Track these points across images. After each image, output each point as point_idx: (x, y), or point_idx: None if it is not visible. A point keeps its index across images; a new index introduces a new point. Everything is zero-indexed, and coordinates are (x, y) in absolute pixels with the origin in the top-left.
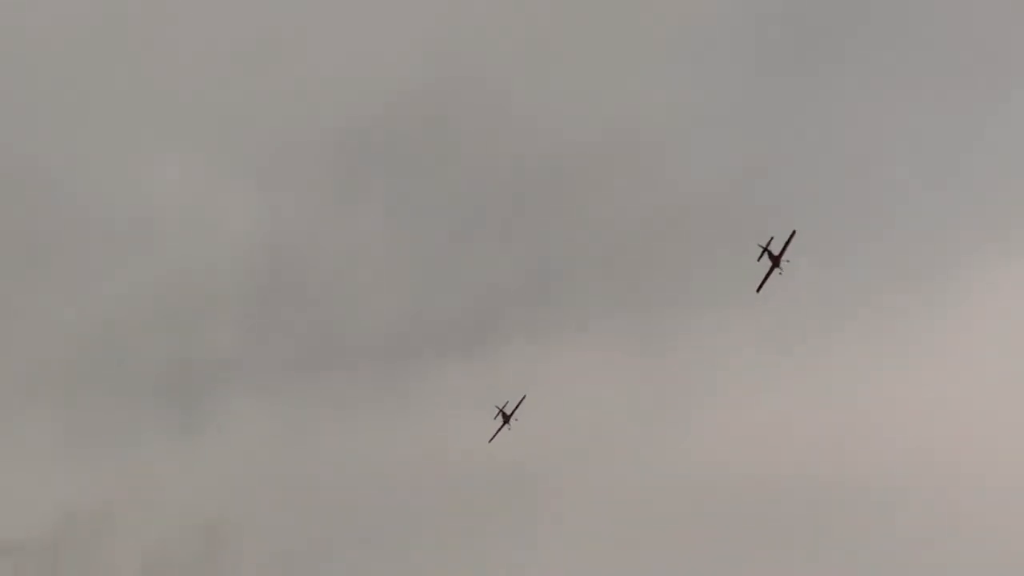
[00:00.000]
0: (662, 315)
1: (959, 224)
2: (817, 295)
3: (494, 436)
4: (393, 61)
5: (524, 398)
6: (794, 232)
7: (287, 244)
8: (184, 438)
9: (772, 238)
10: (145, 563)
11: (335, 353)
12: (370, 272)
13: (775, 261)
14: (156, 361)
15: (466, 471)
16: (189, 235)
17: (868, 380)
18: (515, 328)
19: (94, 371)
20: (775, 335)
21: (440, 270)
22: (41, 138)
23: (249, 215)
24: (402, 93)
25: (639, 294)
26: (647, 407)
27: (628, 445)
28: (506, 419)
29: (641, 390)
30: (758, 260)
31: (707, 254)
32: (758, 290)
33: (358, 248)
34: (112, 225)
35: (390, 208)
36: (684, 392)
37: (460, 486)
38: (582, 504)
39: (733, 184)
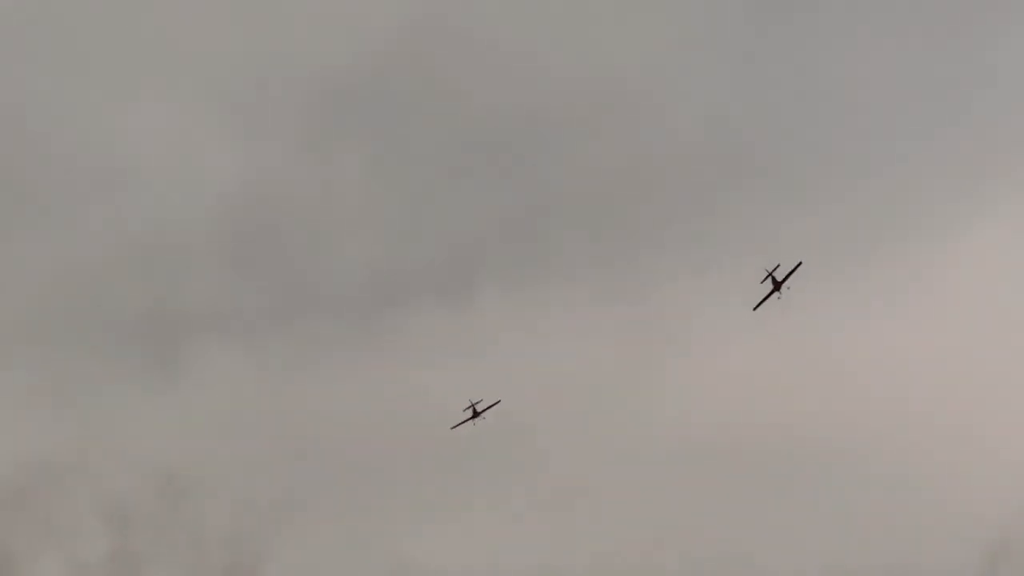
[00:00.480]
0: (643, 265)
1: (947, 167)
2: (798, 243)
3: (458, 425)
4: (372, 2)
5: (498, 402)
6: (800, 263)
7: (263, 191)
8: (158, 387)
9: (778, 265)
10: (113, 513)
11: (311, 301)
12: (347, 219)
13: (777, 286)
14: (130, 310)
15: (443, 421)
16: (164, 182)
17: (847, 328)
18: (494, 276)
19: (67, 320)
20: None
21: (418, 217)
22: (14, 82)
23: (225, 161)
24: (381, 38)
25: (620, 243)
26: (627, 355)
27: (608, 394)
28: (475, 415)
29: (621, 338)
30: (761, 283)
31: (696, 203)
32: (755, 308)
33: (335, 195)
34: (87, 172)
35: (367, 154)
36: (663, 340)
37: (437, 436)
38: (560, 453)
39: (725, 130)
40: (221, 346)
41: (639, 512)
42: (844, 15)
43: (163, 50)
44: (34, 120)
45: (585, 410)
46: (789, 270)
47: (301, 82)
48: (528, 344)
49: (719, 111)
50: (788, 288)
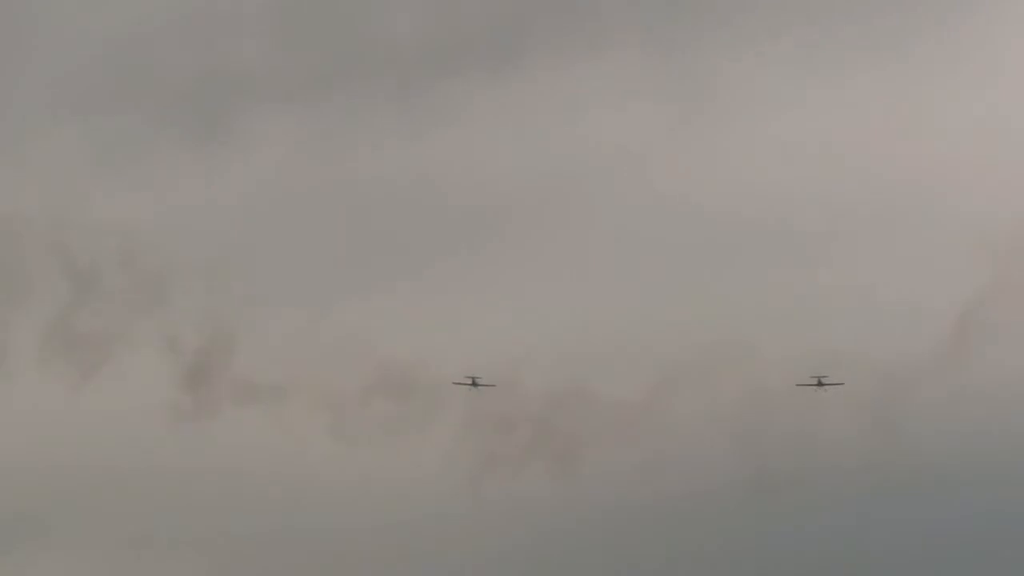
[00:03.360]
0: (691, 31)
1: None
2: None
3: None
4: None
5: (495, 386)
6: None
7: None
8: (205, 153)
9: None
10: (155, 282)
11: (358, 67)
12: None
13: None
14: (179, 76)
15: (485, 191)
16: None
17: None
18: (542, 41)
19: (116, 85)
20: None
21: None
22: None
23: None
24: None
25: (669, 8)
26: (671, 123)
27: (649, 163)
28: (473, 384)
29: (666, 105)
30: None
31: None
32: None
33: None
34: None
35: None
36: (709, 108)
37: (479, 205)
38: (590, 223)
39: None
40: (267, 113)
41: (659, 287)
42: None
43: None
44: None
45: (624, 179)
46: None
47: None
48: (570, 112)
49: None
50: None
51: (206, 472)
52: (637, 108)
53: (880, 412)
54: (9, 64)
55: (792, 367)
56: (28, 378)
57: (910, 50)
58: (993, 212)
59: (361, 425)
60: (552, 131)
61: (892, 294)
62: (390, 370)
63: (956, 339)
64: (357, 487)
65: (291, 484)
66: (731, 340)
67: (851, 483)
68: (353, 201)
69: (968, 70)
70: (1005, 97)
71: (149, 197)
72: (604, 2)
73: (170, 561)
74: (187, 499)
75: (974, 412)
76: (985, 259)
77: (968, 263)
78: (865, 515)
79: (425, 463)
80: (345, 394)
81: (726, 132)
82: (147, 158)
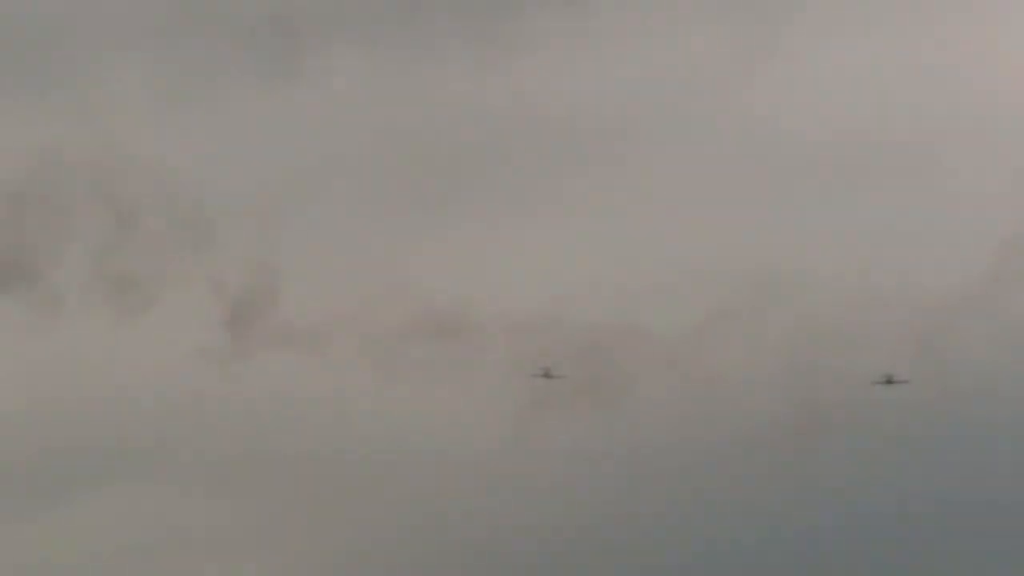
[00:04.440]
0: None
1: None
2: None
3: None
4: None
5: (566, 378)
6: None
7: None
8: (275, 89)
9: None
10: (217, 221)
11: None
12: None
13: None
14: (250, 9)
15: (549, 124)
16: None
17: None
18: None
19: (189, 19)
20: None
21: None
22: None
23: None
24: None
25: None
26: (724, 49)
27: (703, 91)
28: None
29: (720, 31)
30: None
31: None
32: None
33: None
34: None
35: None
36: (767, 32)
37: (537, 138)
38: (641, 154)
39: None
40: (340, 47)
41: (708, 220)
42: None
43: None
44: None
45: (677, 108)
46: None
47: None
48: (638, 38)
49: None
50: None
51: (249, 412)
52: (711, 32)
53: (930, 347)
54: None
55: (843, 302)
56: (75, 316)
57: None
58: None
59: (407, 366)
60: (618, 59)
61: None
62: (436, 310)
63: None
64: (401, 428)
65: (334, 426)
66: (786, 272)
67: (899, 423)
68: (407, 141)
69: None
70: None
71: (207, 133)
72: None
73: (208, 505)
74: (230, 442)
75: None
76: None
77: None
78: (911, 456)
79: (471, 403)
80: (390, 335)
81: (788, 55)
82: (210, 94)
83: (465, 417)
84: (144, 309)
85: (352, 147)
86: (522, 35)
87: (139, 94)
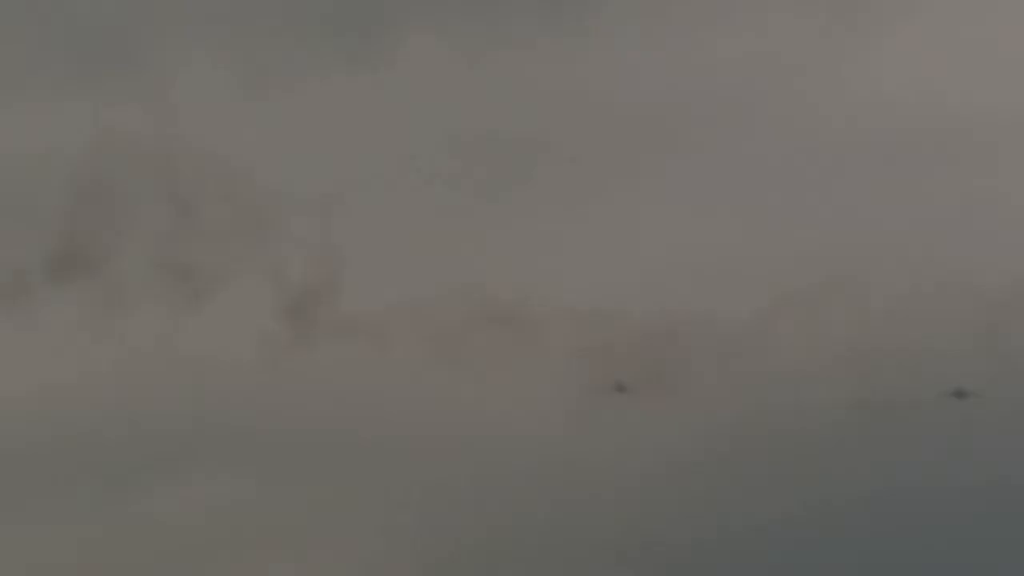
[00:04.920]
0: None
1: None
2: None
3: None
4: None
5: (625, 389)
6: None
7: None
8: (349, 76)
9: None
10: (280, 211)
11: None
12: None
13: None
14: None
15: (613, 111)
16: None
17: None
18: None
19: (263, 7)
20: None
21: None
22: None
23: None
24: None
25: None
26: (831, 29)
27: (808, 73)
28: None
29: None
30: None
31: None
32: None
33: None
34: None
35: None
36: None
37: (603, 127)
38: (739, 140)
39: None
40: (413, 36)
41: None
42: None
43: None
44: None
45: (743, 97)
46: None
47: None
48: (704, 25)
49: None
50: None
51: (309, 404)
52: (780, 18)
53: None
54: None
55: (907, 291)
56: (137, 306)
57: None
58: None
59: (468, 357)
60: (696, 44)
61: None
62: (499, 300)
63: None
64: (463, 417)
65: (395, 415)
66: (853, 262)
67: (956, 411)
68: (475, 130)
69: None
70: None
71: (271, 122)
72: None
73: (271, 492)
74: (289, 431)
75: None
76: None
77: None
78: (970, 444)
79: (534, 390)
80: (452, 326)
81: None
82: (276, 83)
83: (527, 405)
84: (205, 299)
85: (417, 137)
86: (600, 20)
87: (207, 83)
